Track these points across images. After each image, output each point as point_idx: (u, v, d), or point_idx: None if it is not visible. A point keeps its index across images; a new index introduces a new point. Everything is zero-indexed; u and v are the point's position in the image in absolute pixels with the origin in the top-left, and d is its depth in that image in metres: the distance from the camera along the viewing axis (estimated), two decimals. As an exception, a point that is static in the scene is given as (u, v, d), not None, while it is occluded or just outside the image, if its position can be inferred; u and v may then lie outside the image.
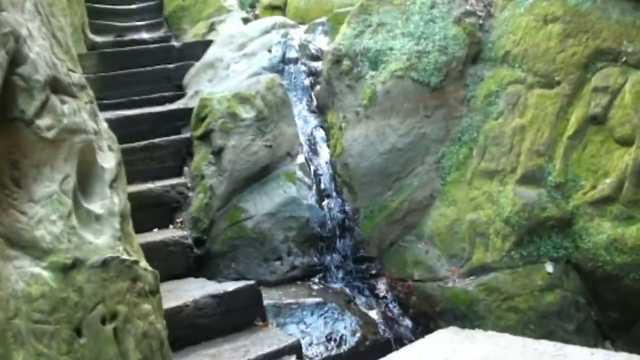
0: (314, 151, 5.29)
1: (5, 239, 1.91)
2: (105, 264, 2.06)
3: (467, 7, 4.90)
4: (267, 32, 6.51)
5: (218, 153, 4.98)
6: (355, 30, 5.22)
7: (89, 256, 2.04)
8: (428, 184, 4.65)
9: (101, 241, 2.12)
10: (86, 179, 2.26)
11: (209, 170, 4.97)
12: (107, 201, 2.27)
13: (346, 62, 5.13)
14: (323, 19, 6.28)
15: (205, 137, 5.16)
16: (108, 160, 2.41)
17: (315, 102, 5.63)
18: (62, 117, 2.10)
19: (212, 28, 7.78)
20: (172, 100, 6.39)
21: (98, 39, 8.31)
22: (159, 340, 2.21)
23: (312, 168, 5.15)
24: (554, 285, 3.99)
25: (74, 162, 2.15)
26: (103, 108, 6.16)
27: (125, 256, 2.15)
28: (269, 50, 6.13)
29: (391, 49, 4.95)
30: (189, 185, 5.07)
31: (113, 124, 5.55)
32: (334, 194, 5.01)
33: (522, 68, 4.45)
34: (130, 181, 5.15)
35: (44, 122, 2.01)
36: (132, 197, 4.76)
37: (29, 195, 1.98)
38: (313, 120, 5.53)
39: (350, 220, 4.86)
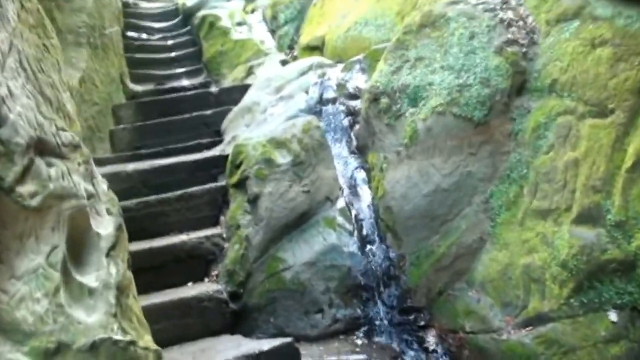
0: (355, 194, 5.02)
1: (-17, 321, 1.69)
2: (94, 347, 1.82)
3: (509, 36, 4.61)
4: (304, 73, 6.32)
5: (254, 201, 4.76)
6: (392, 67, 4.98)
7: (76, 338, 1.80)
8: (477, 226, 4.32)
9: (93, 319, 1.89)
10: (79, 248, 2.03)
11: (244, 220, 4.75)
12: (103, 272, 2.04)
13: (384, 100, 4.88)
14: (360, 56, 6.06)
15: (241, 185, 4.96)
16: (105, 225, 2.19)
17: (355, 143, 5.38)
18: (47, 182, 1.89)
19: (250, 72, 7.64)
20: (209, 147, 6.23)
21: (138, 88, 8.29)
22: None
23: (353, 213, 4.87)
24: (619, 335, 3.59)
25: (64, 231, 1.93)
26: (140, 158, 6.09)
27: (119, 336, 1.90)
28: (306, 92, 5.93)
29: (430, 84, 4.68)
30: (225, 235, 4.85)
31: (148, 174, 5.52)
32: (377, 239, 4.71)
33: (571, 97, 4.12)
34: (166, 232, 5.07)
35: (26, 188, 1.80)
36: (166, 250, 4.69)
37: (11, 271, 1.76)
38: (353, 162, 5.27)
39: (396, 268, 4.55)
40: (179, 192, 5.16)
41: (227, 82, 8.04)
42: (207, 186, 5.27)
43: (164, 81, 8.61)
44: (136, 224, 4.93)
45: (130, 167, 5.54)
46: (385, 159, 4.78)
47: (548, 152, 4.13)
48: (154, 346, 2.13)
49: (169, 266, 4.65)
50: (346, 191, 5.04)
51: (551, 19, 4.49)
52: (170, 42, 9.70)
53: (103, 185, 2.39)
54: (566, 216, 3.89)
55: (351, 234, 4.72)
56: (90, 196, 2.14)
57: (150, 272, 4.58)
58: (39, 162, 1.88)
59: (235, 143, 5.28)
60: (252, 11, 9.74)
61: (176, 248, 4.70)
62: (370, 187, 4.99)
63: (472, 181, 4.39)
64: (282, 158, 4.90)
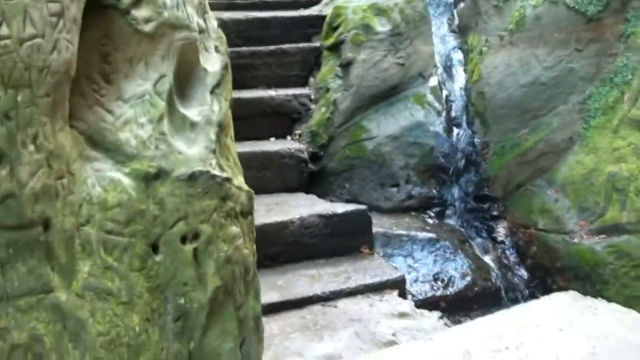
0: (449, 75, 4.92)
1: (87, 138, 1.75)
2: (192, 177, 1.87)
3: None
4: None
5: (346, 66, 4.71)
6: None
7: (176, 167, 1.85)
8: (569, 125, 4.19)
9: (193, 152, 1.93)
10: (185, 81, 2.05)
11: (334, 84, 4.72)
12: (206, 108, 2.06)
13: (496, -21, 4.67)
14: None
15: (335, 48, 4.89)
16: (213, 62, 2.19)
17: (457, 21, 5.21)
18: (162, 10, 1.88)
19: None
20: (306, 5, 6.10)
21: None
22: (243, 266, 2.02)
23: (445, 93, 4.79)
24: (694, 259, 3.54)
25: (173, 62, 1.94)
26: (236, 7, 6.03)
27: (216, 171, 1.94)
28: (416, -39, 5.70)
29: (549, -31, 4.44)
30: (313, 97, 4.85)
31: (243, 24, 5.49)
32: (464, 123, 4.65)
33: (697, 6, 3.86)
34: (254, 86, 5.09)
35: (141, 13, 1.80)
36: (253, 102, 4.73)
37: (118, 93, 1.80)
38: (452, 41, 5.13)
39: (478, 155, 4.51)
40: (272, 47, 5.13)
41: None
42: (300, 45, 5.21)
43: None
44: (224, 73, 4.97)
45: (226, 15, 5.50)
46: (486, 42, 4.63)
47: (660, 61, 3.93)
48: (246, 187, 2.18)
49: (254, 119, 4.69)
50: (440, 70, 4.93)
51: None
52: None
53: (214, 22, 2.37)
54: (665, 129, 3.75)
55: (439, 113, 4.65)
56: (201, 31, 2.13)
57: (235, 122, 4.64)
58: (156, -12, 1.88)
59: (335, 4, 5.17)
60: None
61: (263, 102, 4.72)
62: (465, 70, 4.88)
63: (572, 79, 4.22)
64: (381, 26, 4.78)
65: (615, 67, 4.12)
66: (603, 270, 3.71)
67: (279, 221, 3.72)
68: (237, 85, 5.03)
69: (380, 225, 4.10)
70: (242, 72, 5.04)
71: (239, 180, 2.13)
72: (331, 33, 4.98)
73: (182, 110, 1.98)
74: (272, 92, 4.81)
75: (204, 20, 2.21)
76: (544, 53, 4.29)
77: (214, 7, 6.05)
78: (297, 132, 4.71)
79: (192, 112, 2.02)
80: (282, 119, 4.79)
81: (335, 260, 3.78)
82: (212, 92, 2.11)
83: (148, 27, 1.83)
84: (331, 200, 4.32)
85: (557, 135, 4.20)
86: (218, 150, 2.03)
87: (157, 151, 1.82)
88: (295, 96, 4.81)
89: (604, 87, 4.13)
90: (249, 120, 4.69)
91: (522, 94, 4.31)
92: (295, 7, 6.08)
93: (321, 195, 4.39)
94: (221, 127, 2.08)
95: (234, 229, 2.00)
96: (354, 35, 4.75)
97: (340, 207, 3.89)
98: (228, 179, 1.99)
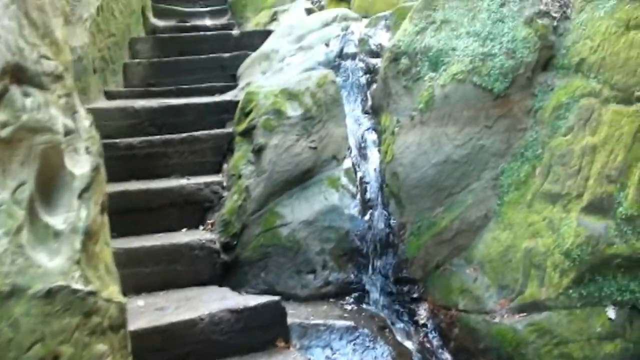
0: (363, 156, 4.86)
1: None
2: (50, 294, 1.71)
3: (541, 7, 4.37)
4: (327, 24, 6.10)
5: (258, 152, 4.62)
6: (417, 27, 4.76)
7: (33, 283, 1.69)
8: (483, 202, 4.16)
9: (54, 264, 1.77)
10: (50, 186, 1.91)
11: (247, 170, 4.62)
12: (73, 215, 1.92)
13: (404, 61, 4.68)
14: (387, 12, 5.84)
15: (248, 134, 4.81)
16: (82, 165, 2.06)
17: (370, 102, 5.20)
18: (21, 113, 1.76)
19: (274, 18, 7.42)
20: (222, 91, 6.07)
21: (160, 23, 8.12)
22: (115, 386, 1.84)
23: (359, 175, 4.72)
24: (615, 334, 3.45)
25: (34, 167, 1.81)
26: (151, 95, 5.96)
27: (79, 285, 1.79)
28: (327, 44, 5.73)
29: (454, 49, 4.48)
30: (225, 184, 4.73)
31: (157, 113, 5.38)
32: (379, 205, 4.56)
33: (597, 79, 3.90)
34: (167, 175, 4.96)
35: (-3, 117, 1.68)
36: (164, 192, 4.57)
37: (-28, 205, 1.65)
38: (366, 122, 5.10)
39: (395, 236, 4.41)
40: (183, 135, 5.04)
41: (250, 26, 7.83)
42: (213, 131, 5.13)
43: (186, 18, 8.42)
44: (138, 163, 4.85)
45: (140, 103, 5.41)
46: (397, 123, 4.60)
47: (566, 135, 3.94)
48: (118, 297, 2.01)
49: (165, 210, 4.55)
50: (354, 152, 4.88)
51: (587, -6, 4.27)
52: (199, -23, 9.48)
53: (85, 122, 2.25)
54: (576, 203, 3.73)
55: (354, 196, 4.57)
56: (68, 132, 2.00)
57: (145, 213, 4.50)
58: (14, 91, 1.76)
59: (247, 90, 5.12)
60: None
61: (174, 192, 4.59)
62: (379, 151, 4.82)
63: (484, 155, 4.22)
64: (293, 110, 4.74)
65: (525, 141, 4.15)
66: (525, 350, 3.63)
67: (188, 319, 3.51)
68: (150, 175, 4.94)
69: (297, 315, 3.94)
70: (154, 162, 4.95)
71: (110, 290, 1.97)
72: (243, 119, 4.91)
73: (45, 218, 1.83)
74: (183, 181, 4.69)
75: (73, 120, 2.08)
76: (454, 131, 4.28)
77: (129, 94, 6.00)
78: (210, 221, 4.57)
79: (57, 220, 1.88)
80: (194, 209, 4.65)
81: (249, 357, 3.58)
82: (79, 196, 1.97)
83: (4, 132, 1.70)
84: (246, 292, 4.17)
85: (472, 213, 4.16)
86: (84, 260, 1.88)
87: (12, 266, 1.66)
88: (206, 184, 4.68)
89: (516, 162, 4.14)
90: (159, 212, 4.55)
91: (435, 172, 4.27)
92: (212, 92, 6.06)
93: (236, 287, 4.22)
94: (89, 235, 1.93)
95: (101, 347, 1.83)
96: (265, 121, 4.68)
97: (253, 300, 3.72)
98: (93, 293, 1.83)
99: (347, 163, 4.76)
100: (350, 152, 4.85)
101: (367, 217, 4.51)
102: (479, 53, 4.34)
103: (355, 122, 5.08)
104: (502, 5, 4.49)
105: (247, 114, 4.89)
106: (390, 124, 4.70)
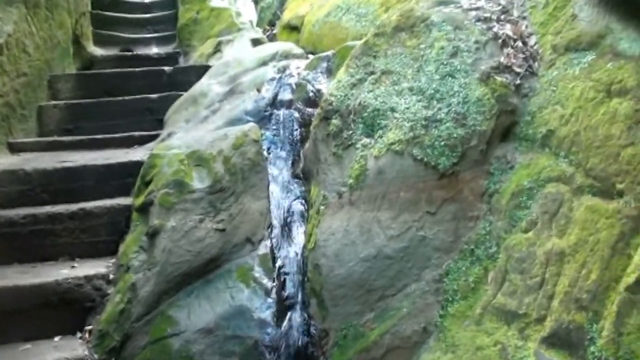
0: (287, 235, 3.94)
1: None
2: None
3: (501, 59, 3.47)
4: (264, 63, 5.20)
5: (152, 237, 3.71)
6: (353, 77, 3.88)
7: None
8: (422, 312, 3.23)
9: None
10: None
11: (137, 260, 3.71)
12: None
13: (335, 122, 3.79)
14: (330, 52, 4.92)
15: (145, 211, 3.91)
16: None
17: (302, 164, 4.27)
18: None
19: (217, 49, 6.47)
20: (142, 141, 5.15)
21: (100, 52, 7.24)
22: None
23: (278, 263, 3.78)
24: None
25: None
26: (62, 147, 5.07)
27: None
28: (258, 90, 4.81)
29: (393, 109, 3.58)
30: (112, 277, 3.80)
31: (51, 176, 4.42)
32: (298, 305, 3.63)
33: (569, 160, 3.00)
34: (54, 257, 4.02)
35: None
36: (33, 291, 3.60)
37: None
38: (295, 189, 4.18)
39: (315, 347, 3.47)
40: (74, 208, 4.15)
41: (195, 56, 6.90)
42: (109, 203, 4.22)
43: (130, 46, 7.52)
44: (20, 243, 4.00)
45: (32, 165, 4.49)
46: (324, 199, 3.69)
47: (527, 231, 3.05)
48: None
49: (36, 312, 3.64)
50: (276, 230, 3.95)
51: (559, 45, 3.36)
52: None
53: None
54: (536, 330, 2.83)
55: (268, 293, 3.63)
56: None
57: (10, 317, 3.59)
58: None
59: (153, 151, 4.21)
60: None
61: (47, 289, 3.67)
62: (305, 232, 3.91)
63: (425, 250, 3.30)
64: (199, 181, 3.85)
65: (477, 235, 3.25)
66: None
67: None
68: (33, 258, 4.00)
69: None
70: (39, 241, 4.07)
71: None
72: (143, 189, 4.01)
73: None
74: (58, 277, 3.73)
75: None
76: (389, 217, 3.37)
77: (35, 146, 5.07)
78: (88, 327, 3.64)
79: None
80: (72, 310, 3.72)
81: None
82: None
83: None
84: None
85: (408, 325, 3.24)
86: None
87: None
88: (88, 279, 3.75)
89: (464, 262, 3.24)
90: (28, 315, 3.66)
91: (364, 269, 3.35)
92: (129, 144, 5.15)
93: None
94: None
95: None
96: (164, 196, 3.79)
97: None
98: None
99: (264, 247, 3.84)
100: (271, 232, 3.94)
101: (282, 322, 3.56)
102: (422, 117, 3.45)
103: (282, 190, 4.17)
104: (454, 55, 3.58)
105: (148, 184, 3.99)
106: (317, 200, 3.80)
